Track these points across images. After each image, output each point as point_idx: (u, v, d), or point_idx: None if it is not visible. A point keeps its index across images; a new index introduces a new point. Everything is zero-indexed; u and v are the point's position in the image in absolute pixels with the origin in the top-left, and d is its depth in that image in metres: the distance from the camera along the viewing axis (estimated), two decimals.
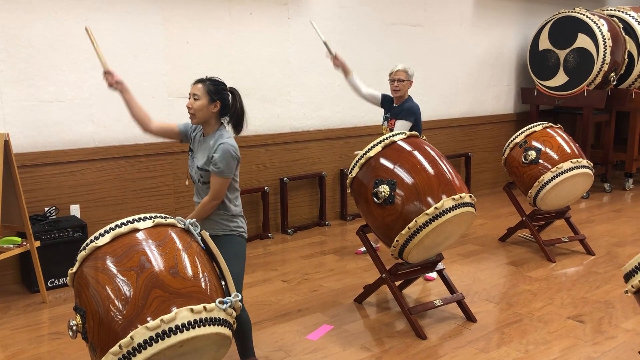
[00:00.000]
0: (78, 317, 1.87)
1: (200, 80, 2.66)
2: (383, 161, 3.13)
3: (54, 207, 3.91)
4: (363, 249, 4.26)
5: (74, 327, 1.87)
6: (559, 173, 4.10)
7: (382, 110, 4.13)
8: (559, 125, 4.52)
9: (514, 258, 4.37)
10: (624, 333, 3.16)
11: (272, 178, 4.96)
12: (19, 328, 3.24)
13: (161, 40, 4.27)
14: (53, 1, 3.80)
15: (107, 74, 2.76)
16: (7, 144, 3.31)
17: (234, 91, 2.69)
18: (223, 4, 4.52)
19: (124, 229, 1.94)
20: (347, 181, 3.28)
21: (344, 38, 5.24)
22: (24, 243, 3.53)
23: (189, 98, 2.64)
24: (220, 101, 2.63)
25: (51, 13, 3.80)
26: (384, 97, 4.07)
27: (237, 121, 2.70)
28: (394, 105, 4.00)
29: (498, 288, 3.79)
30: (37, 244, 3.53)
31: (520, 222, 4.53)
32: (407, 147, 3.17)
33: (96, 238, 1.94)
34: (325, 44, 4.08)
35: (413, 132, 3.30)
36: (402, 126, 3.84)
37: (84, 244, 1.96)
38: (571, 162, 4.13)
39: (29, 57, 3.76)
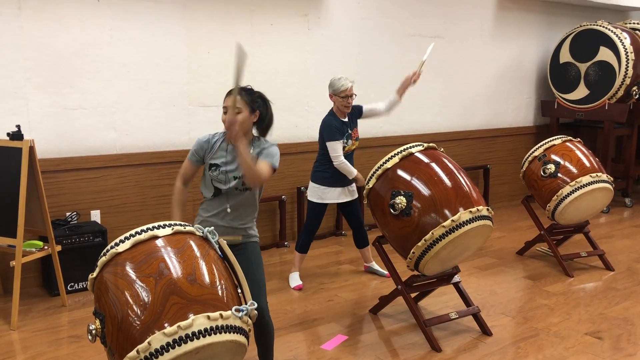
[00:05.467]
0: (97, 322, 1.91)
1: (231, 91, 2.57)
2: (400, 172, 3.14)
3: (75, 213, 3.98)
4: (369, 264, 4.26)
5: (93, 331, 1.90)
6: (578, 187, 4.07)
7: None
8: (579, 139, 4.49)
9: (532, 272, 4.33)
10: None
11: (290, 187, 4.99)
12: (39, 330, 3.30)
13: (183, 50, 4.34)
14: (79, 11, 3.89)
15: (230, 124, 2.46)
16: (32, 150, 3.38)
17: (264, 97, 2.68)
18: (244, 15, 4.58)
19: (143, 235, 1.97)
20: (364, 192, 3.29)
21: (364, 49, 5.27)
22: (46, 247, 3.60)
23: (225, 112, 2.56)
24: (260, 110, 2.62)
25: (76, 22, 3.89)
26: (334, 127, 3.82)
27: (268, 126, 2.69)
28: (344, 119, 3.89)
29: (514, 302, 3.77)
30: (58, 248, 3.60)
31: (538, 235, 4.50)
32: (425, 159, 3.18)
33: (116, 244, 1.97)
34: (423, 63, 4.07)
35: (430, 144, 3.30)
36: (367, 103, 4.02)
37: (105, 250, 2.00)
38: (590, 176, 4.09)
39: (54, 65, 3.85)
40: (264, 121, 2.67)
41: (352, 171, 3.85)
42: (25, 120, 3.77)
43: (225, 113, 2.58)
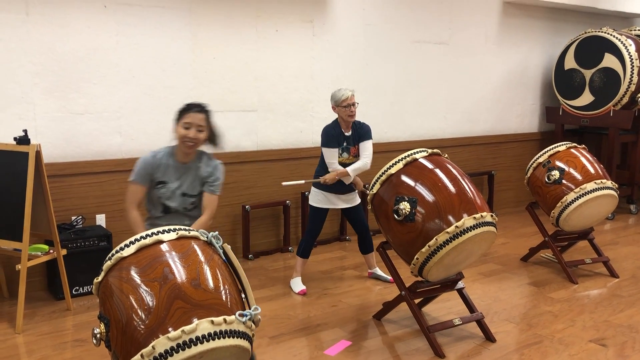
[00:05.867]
0: (102, 326, 1.92)
1: (200, 109, 2.66)
2: (404, 178, 3.14)
3: (80, 217, 4.00)
4: (372, 270, 4.26)
5: (98, 335, 1.92)
6: (583, 194, 4.06)
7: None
8: (584, 145, 4.48)
9: (536, 278, 4.32)
10: None
11: (294, 192, 5.00)
12: (44, 334, 3.32)
13: (188, 55, 4.36)
14: (85, 16, 3.92)
15: None
16: (38, 154, 3.41)
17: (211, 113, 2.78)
18: (250, 21, 4.61)
19: (148, 240, 1.99)
20: (368, 197, 3.30)
21: (368, 55, 5.29)
22: (51, 251, 3.62)
23: (188, 128, 2.64)
24: (212, 127, 2.68)
25: (84, 28, 3.92)
26: (331, 135, 3.80)
27: (216, 138, 2.78)
28: (346, 133, 3.86)
29: (518, 308, 3.76)
30: (64, 252, 3.61)
31: (542, 242, 4.49)
32: (429, 165, 3.18)
33: (121, 249, 1.99)
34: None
35: (435, 150, 3.31)
36: (370, 145, 3.87)
37: (110, 254, 2.01)
38: (595, 183, 4.09)
39: (61, 70, 3.88)
40: (215, 135, 2.78)
41: (348, 177, 3.83)
42: (32, 125, 3.80)
43: (186, 129, 2.64)
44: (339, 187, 3.90)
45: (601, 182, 4.12)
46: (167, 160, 2.72)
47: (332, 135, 3.83)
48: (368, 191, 3.30)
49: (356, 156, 3.91)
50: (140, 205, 2.77)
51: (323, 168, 3.93)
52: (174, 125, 2.83)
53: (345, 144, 3.87)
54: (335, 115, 3.92)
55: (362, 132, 3.91)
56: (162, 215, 2.73)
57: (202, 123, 2.65)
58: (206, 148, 2.91)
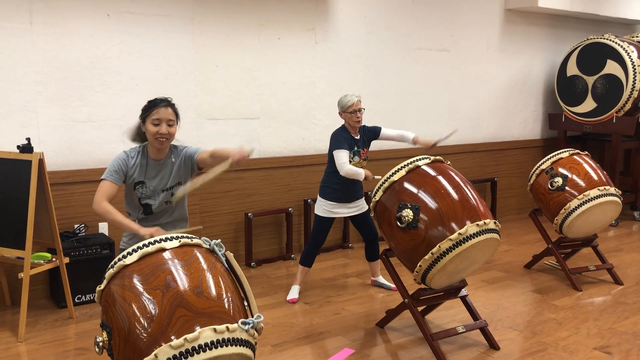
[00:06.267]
0: (104, 334, 1.92)
1: (167, 104, 2.64)
2: (407, 185, 3.14)
3: (83, 225, 4.00)
4: (376, 278, 4.25)
5: (101, 344, 1.91)
6: (586, 200, 4.05)
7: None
8: (586, 152, 4.48)
9: (540, 286, 4.31)
10: None
11: (297, 199, 5.00)
12: (46, 342, 3.31)
13: (191, 63, 4.38)
14: (89, 25, 3.94)
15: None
16: (41, 162, 3.41)
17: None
18: (252, 29, 4.62)
19: (151, 248, 1.99)
20: (371, 204, 3.30)
21: (370, 63, 5.30)
22: (54, 259, 3.62)
23: (157, 124, 2.61)
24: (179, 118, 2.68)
25: (86, 37, 3.94)
26: (341, 137, 3.82)
27: None
28: (355, 136, 3.88)
29: (522, 316, 3.74)
30: (66, 260, 3.61)
31: (546, 249, 4.48)
32: (432, 172, 3.18)
33: (124, 257, 1.99)
34: (447, 137, 4.25)
35: (437, 157, 3.31)
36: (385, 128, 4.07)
37: (112, 262, 2.01)
38: (598, 189, 4.08)
39: (64, 78, 3.90)
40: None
41: (360, 172, 3.77)
42: (35, 133, 3.81)
43: (156, 125, 2.62)
44: (346, 196, 3.89)
45: (605, 188, 4.11)
46: (142, 159, 2.69)
47: (342, 138, 3.82)
48: (372, 198, 3.29)
49: (365, 159, 3.93)
50: (110, 203, 2.71)
51: (330, 175, 3.90)
52: (139, 123, 2.74)
53: (355, 147, 3.88)
54: (340, 122, 3.92)
55: (371, 132, 3.97)
56: (143, 217, 2.72)
57: (172, 117, 2.63)
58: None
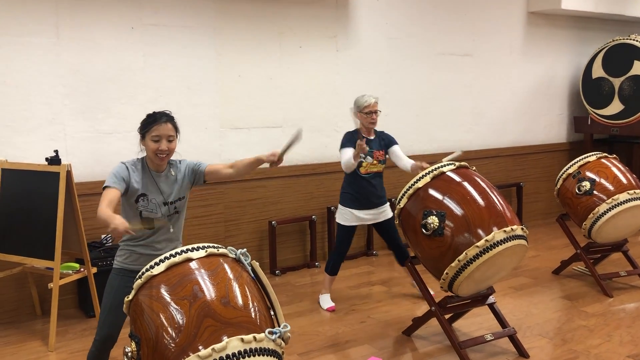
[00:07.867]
0: (133, 344, 1.93)
1: (167, 119, 2.57)
2: (432, 192, 3.11)
3: (110, 235, 4.05)
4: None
5: (129, 354, 1.93)
6: (615, 205, 3.97)
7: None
8: (614, 155, 4.39)
9: (569, 292, 4.23)
10: None
11: (320, 207, 4.99)
12: (75, 352, 3.35)
13: (214, 73, 4.42)
14: (114, 38, 4.00)
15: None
16: (69, 174, 3.47)
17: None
18: (274, 38, 4.65)
19: (178, 258, 2.00)
20: (395, 212, 3.27)
21: (392, 69, 5.28)
22: (82, 269, 3.66)
23: (157, 140, 2.55)
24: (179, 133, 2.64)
25: (111, 49, 4.00)
26: (350, 136, 3.74)
27: None
28: (369, 138, 3.81)
29: (552, 323, 3.67)
30: (94, 270, 3.66)
31: (574, 254, 4.40)
32: (457, 178, 3.15)
33: (151, 267, 2.00)
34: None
35: (462, 163, 3.27)
36: (400, 148, 3.90)
37: (140, 273, 2.03)
38: (628, 193, 3.99)
39: (90, 91, 3.96)
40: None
41: (350, 158, 3.64)
42: (63, 145, 3.88)
43: (156, 142, 2.56)
44: (366, 202, 3.86)
45: (634, 192, 4.02)
46: (143, 172, 2.65)
47: (346, 138, 3.77)
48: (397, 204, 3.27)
49: (380, 161, 3.85)
50: (114, 210, 2.68)
51: (348, 183, 3.89)
52: (139, 138, 2.68)
53: (368, 147, 3.82)
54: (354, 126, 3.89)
55: (387, 139, 3.90)
56: (141, 232, 2.66)
57: (172, 133, 2.57)
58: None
